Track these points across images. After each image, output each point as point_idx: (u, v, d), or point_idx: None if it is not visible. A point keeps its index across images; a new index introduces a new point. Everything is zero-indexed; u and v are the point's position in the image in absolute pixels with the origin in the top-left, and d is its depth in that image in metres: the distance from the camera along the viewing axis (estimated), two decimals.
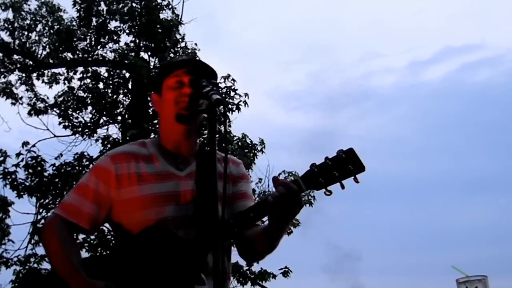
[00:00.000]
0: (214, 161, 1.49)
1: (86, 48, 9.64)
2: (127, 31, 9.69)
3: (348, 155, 1.54)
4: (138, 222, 1.70)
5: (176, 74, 1.84)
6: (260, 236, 1.75)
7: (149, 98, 9.24)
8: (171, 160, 1.84)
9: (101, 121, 9.66)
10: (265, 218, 1.75)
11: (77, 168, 8.88)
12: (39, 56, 9.84)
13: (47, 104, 9.74)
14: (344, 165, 1.53)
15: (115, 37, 9.70)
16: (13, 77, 9.87)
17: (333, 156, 1.56)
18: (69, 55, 9.65)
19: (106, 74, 9.60)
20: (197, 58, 1.99)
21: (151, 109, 9.16)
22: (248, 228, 1.72)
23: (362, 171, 1.54)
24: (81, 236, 8.04)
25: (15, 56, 9.91)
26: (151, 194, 1.74)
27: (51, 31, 9.78)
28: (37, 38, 9.93)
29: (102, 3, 9.47)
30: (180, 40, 9.84)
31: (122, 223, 1.76)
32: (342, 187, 1.55)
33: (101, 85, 9.60)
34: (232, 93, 8.89)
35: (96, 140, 9.35)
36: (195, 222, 1.70)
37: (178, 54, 9.72)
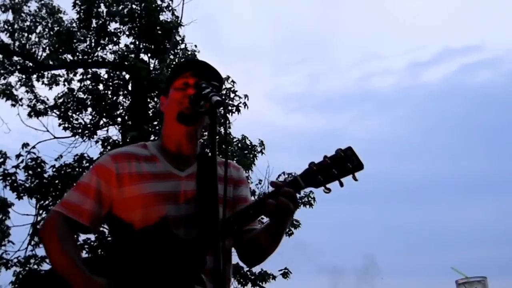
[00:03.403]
0: (214, 163, 1.49)
1: (86, 49, 9.64)
2: (127, 32, 9.69)
3: (346, 154, 1.57)
4: (139, 219, 1.72)
5: (184, 76, 1.88)
6: (264, 232, 1.78)
7: (149, 100, 9.26)
8: (172, 160, 1.86)
9: (101, 122, 9.67)
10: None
11: (77, 169, 8.88)
12: (39, 57, 9.83)
13: (47, 106, 9.75)
14: (343, 163, 1.56)
15: (115, 39, 9.70)
16: (13, 79, 9.90)
17: (332, 155, 1.59)
18: (69, 56, 9.66)
19: (106, 76, 9.61)
20: (206, 61, 1.98)
21: (151, 110, 9.18)
22: (247, 224, 1.74)
23: (360, 169, 1.56)
24: (81, 238, 8.10)
25: (15, 58, 9.92)
26: (151, 193, 1.76)
27: (51, 33, 9.78)
28: (37, 39, 9.94)
29: (102, 4, 9.48)
30: (180, 41, 9.86)
31: (123, 219, 1.77)
32: (341, 185, 1.57)
33: (101, 87, 9.61)
34: (232, 95, 8.92)
35: (96, 142, 9.36)
36: (196, 222, 1.71)
37: (178, 56, 9.74)
